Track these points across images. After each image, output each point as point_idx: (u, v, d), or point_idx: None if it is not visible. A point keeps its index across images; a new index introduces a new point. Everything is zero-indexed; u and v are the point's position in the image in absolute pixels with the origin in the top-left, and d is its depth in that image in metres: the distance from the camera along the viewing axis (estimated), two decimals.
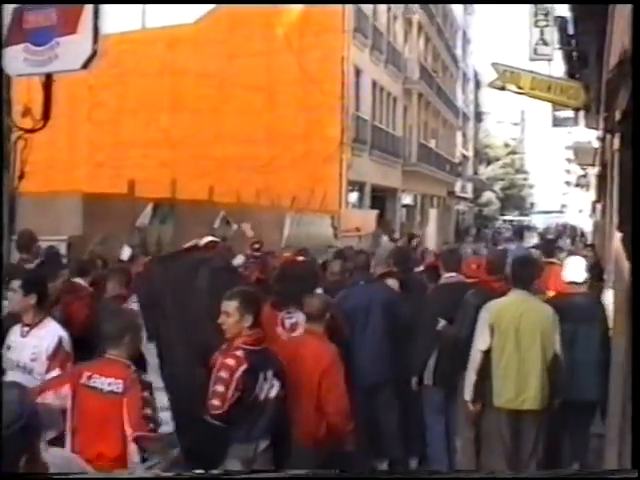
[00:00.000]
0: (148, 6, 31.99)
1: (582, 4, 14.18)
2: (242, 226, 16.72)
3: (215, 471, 4.25)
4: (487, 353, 7.97)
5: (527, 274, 8.43)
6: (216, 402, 6.07)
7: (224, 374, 6.14)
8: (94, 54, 9.67)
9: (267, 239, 16.88)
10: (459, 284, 9.28)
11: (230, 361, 6.20)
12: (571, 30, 18.24)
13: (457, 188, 64.77)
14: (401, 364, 8.98)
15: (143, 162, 27.01)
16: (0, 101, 7.75)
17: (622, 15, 6.02)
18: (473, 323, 8.20)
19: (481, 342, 8.01)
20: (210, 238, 14.25)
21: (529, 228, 78.41)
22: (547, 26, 24.87)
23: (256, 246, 14.67)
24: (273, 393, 6.28)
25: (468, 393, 8.08)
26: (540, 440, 7.98)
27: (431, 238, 46.22)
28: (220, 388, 6.09)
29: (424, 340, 8.91)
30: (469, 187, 74.29)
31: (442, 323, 8.79)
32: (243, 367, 6.13)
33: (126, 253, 12.31)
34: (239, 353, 6.25)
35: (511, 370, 7.86)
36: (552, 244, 16.30)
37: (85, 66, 9.73)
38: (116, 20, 21.37)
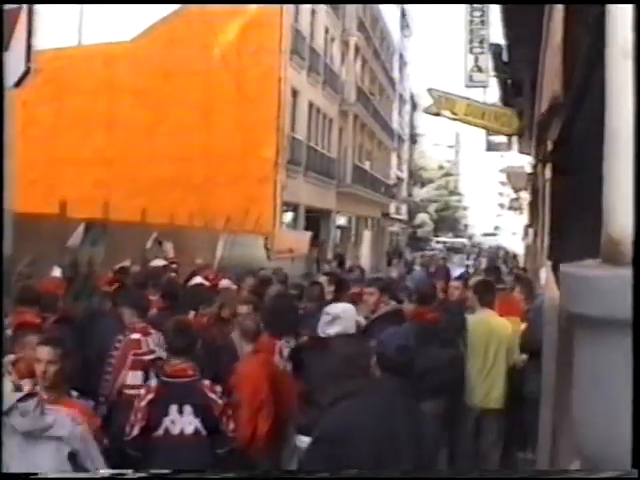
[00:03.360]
0: (85, 22, 31.79)
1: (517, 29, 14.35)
2: (164, 245, 16.54)
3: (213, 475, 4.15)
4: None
5: (490, 295, 9.72)
6: (127, 429, 6.03)
7: (135, 402, 6.12)
8: (27, 72, 9.57)
9: (201, 259, 16.78)
10: (396, 314, 9.34)
11: (142, 390, 6.20)
12: (505, 57, 18.44)
13: (391, 209, 65.13)
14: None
15: (77, 180, 26.75)
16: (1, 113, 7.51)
17: (552, 63, 6.12)
18: None
19: None
20: (162, 262, 14.24)
21: (461, 250, 78.84)
22: (482, 53, 25.12)
23: (174, 266, 14.55)
24: (190, 430, 6.06)
25: None
26: (500, 435, 9.39)
27: (365, 259, 46.40)
28: (131, 416, 6.06)
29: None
30: (403, 208, 74.80)
31: None
32: (149, 397, 6.06)
33: (56, 274, 12.13)
34: (153, 383, 6.23)
35: (480, 377, 9.22)
36: (499, 271, 16.67)
37: (18, 84, 9.62)
38: (52, 36, 21.18)
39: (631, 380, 2.19)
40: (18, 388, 5.77)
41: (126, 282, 11.09)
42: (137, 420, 6.00)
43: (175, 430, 6.01)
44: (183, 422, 6.02)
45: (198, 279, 12.38)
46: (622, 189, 2.27)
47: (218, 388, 6.23)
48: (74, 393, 5.99)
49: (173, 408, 6.01)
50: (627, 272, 2.22)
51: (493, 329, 9.31)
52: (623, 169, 2.27)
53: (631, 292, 2.18)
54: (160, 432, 5.99)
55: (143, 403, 6.03)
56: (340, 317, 7.35)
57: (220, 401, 6.16)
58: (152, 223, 19.38)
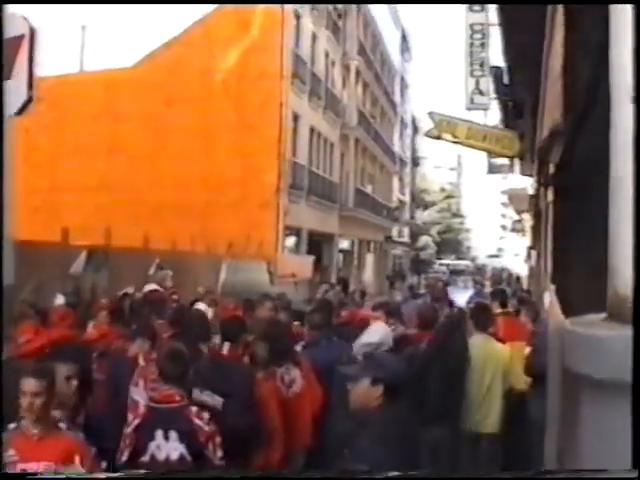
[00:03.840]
0: (87, 49, 31.96)
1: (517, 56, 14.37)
2: (161, 274, 16.41)
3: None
4: None
5: (486, 319, 9.76)
6: (118, 453, 5.99)
7: (124, 429, 6.09)
8: (30, 100, 9.58)
9: (203, 286, 16.70)
10: (404, 338, 9.34)
11: (130, 415, 6.23)
12: (506, 80, 18.47)
13: (394, 233, 65.07)
14: None
15: (79, 207, 26.81)
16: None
17: (553, 87, 6.14)
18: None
19: None
20: (153, 286, 14.12)
21: (465, 272, 78.53)
22: (483, 76, 25.14)
23: (175, 297, 14.41)
24: (175, 455, 5.95)
25: None
26: (496, 460, 9.24)
27: (368, 283, 46.34)
28: (121, 443, 6.03)
29: None
30: (406, 231, 74.72)
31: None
32: (136, 422, 6.05)
33: (59, 301, 12.12)
34: (141, 409, 6.23)
35: (477, 401, 9.22)
36: (505, 295, 16.48)
37: (20, 112, 9.63)
38: (54, 62, 21.26)
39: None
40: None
41: (124, 309, 10.95)
42: (126, 446, 5.97)
43: (161, 456, 5.93)
44: (169, 448, 5.94)
45: (201, 306, 12.28)
46: (628, 244, 2.25)
47: (205, 415, 6.09)
48: (62, 425, 5.90)
49: (159, 433, 5.95)
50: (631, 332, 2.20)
51: (489, 353, 9.35)
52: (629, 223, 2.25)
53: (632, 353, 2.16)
54: (146, 458, 5.93)
55: (130, 429, 6.03)
56: (383, 344, 7.35)
57: (207, 427, 6.03)
58: (154, 249, 19.38)
